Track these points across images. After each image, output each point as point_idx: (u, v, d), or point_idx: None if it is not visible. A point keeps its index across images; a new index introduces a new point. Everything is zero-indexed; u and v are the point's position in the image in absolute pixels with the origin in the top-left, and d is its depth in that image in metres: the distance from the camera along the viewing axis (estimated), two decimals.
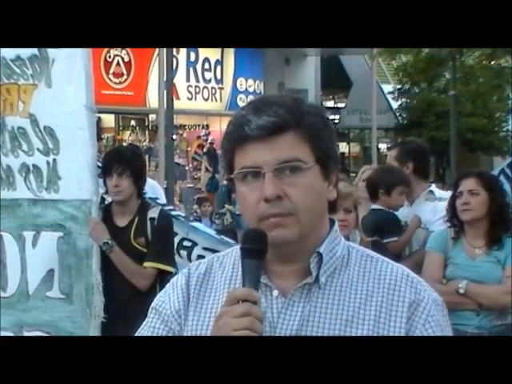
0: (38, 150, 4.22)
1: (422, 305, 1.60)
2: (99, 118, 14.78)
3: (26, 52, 4.19)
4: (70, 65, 4.11)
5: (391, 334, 1.56)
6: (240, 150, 1.56)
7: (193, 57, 18.07)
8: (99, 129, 14.15)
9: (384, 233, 4.31)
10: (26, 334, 4.25)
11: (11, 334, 4.27)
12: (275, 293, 1.58)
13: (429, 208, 4.66)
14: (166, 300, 1.65)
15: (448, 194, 4.41)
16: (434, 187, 4.83)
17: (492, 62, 19.88)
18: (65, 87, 4.15)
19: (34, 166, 4.24)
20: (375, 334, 1.55)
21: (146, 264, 4.25)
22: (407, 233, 4.64)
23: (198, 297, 1.63)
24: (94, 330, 4.12)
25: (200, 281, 1.65)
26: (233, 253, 1.68)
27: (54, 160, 4.19)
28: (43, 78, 4.19)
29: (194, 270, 1.67)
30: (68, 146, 4.15)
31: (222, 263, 1.67)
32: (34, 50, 4.18)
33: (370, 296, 1.58)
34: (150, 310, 1.67)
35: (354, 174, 21.60)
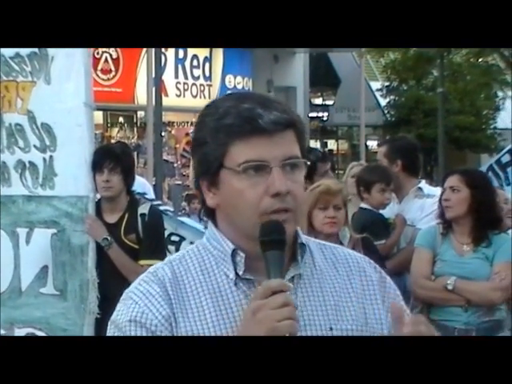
0: (34, 146, 4.24)
1: (387, 281, 1.72)
2: None
3: (25, 49, 4.19)
4: (70, 62, 4.13)
5: (376, 312, 1.65)
6: (242, 142, 1.55)
7: (181, 54, 18.00)
8: None
9: (371, 235, 4.33)
10: (16, 330, 4.25)
11: (2, 331, 4.27)
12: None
13: (417, 205, 4.68)
14: (147, 310, 1.57)
15: (437, 190, 4.43)
16: (423, 184, 4.84)
17: (479, 60, 19.99)
18: (64, 84, 4.18)
19: (30, 162, 4.25)
20: (363, 315, 1.63)
21: (143, 262, 4.24)
22: (395, 234, 4.65)
23: (179, 301, 1.59)
24: (88, 327, 4.13)
25: (173, 285, 1.60)
26: (191, 255, 1.66)
27: (51, 157, 4.20)
28: (42, 75, 4.21)
29: (162, 275, 1.61)
30: (65, 143, 4.17)
31: (184, 267, 1.63)
32: (34, 48, 4.18)
33: (343, 280, 1.66)
34: (124, 324, 1.58)
35: (342, 172, 21.65)
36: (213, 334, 1.55)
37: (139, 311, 1.57)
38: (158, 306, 1.57)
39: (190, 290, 1.60)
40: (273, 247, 1.53)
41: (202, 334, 1.56)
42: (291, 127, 1.59)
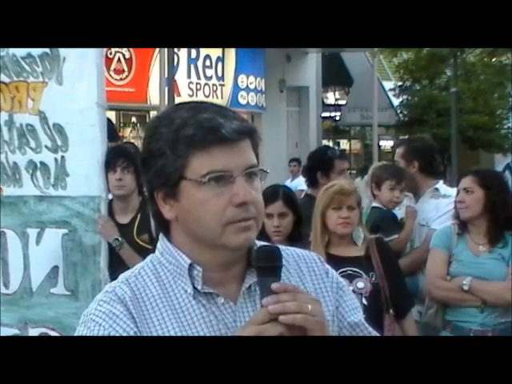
0: (46, 147, 4.23)
1: (329, 273, 1.72)
2: None
3: (36, 50, 4.20)
4: (82, 62, 4.13)
5: (332, 309, 1.65)
6: (204, 153, 1.53)
7: (194, 54, 18.03)
8: None
9: (384, 232, 4.32)
10: (30, 330, 4.27)
11: (16, 331, 4.29)
12: (220, 300, 1.59)
13: (432, 205, 4.67)
14: (113, 332, 1.53)
15: (453, 190, 4.42)
16: (440, 184, 4.83)
17: (493, 60, 19.90)
18: (76, 85, 4.17)
19: (41, 163, 4.25)
20: (327, 315, 1.61)
21: None
22: (407, 226, 4.64)
23: (141, 319, 1.56)
24: None
25: (134, 303, 1.57)
26: (146, 271, 1.64)
27: (63, 157, 4.20)
28: (54, 76, 4.20)
29: (121, 294, 1.58)
30: (77, 143, 4.16)
31: (142, 283, 1.61)
32: (45, 48, 4.18)
33: (296, 281, 1.65)
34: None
35: (354, 171, 21.62)
36: None
37: (105, 333, 1.53)
38: (125, 325, 1.54)
39: (150, 307, 1.57)
40: (269, 273, 1.51)
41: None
42: (248, 136, 1.58)
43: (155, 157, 1.58)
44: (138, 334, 1.53)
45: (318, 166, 5.13)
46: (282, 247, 1.71)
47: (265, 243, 1.62)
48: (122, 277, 1.64)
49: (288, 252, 1.71)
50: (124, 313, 1.55)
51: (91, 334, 1.53)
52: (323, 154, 5.27)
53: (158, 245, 1.67)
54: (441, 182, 4.90)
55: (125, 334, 1.52)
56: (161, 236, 1.67)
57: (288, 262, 1.68)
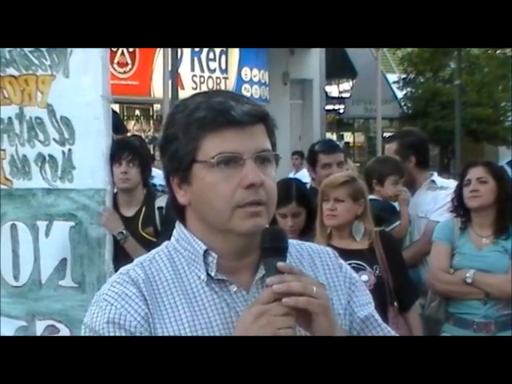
0: (54, 140, 4.26)
1: (343, 267, 1.73)
2: None
3: None
4: (88, 55, 4.15)
5: (344, 303, 1.67)
6: (215, 135, 1.54)
7: None
8: None
9: (383, 222, 4.31)
10: (37, 322, 4.29)
11: (23, 323, 4.32)
12: (233, 287, 1.60)
13: (430, 197, 4.64)
14: (124, 312, 1.54)
15: (450, 182, 4.41)
16: (436, 176, 4.80)
17: (497, 52, 19.87)
18: (82, 77, 4.19)
19: (49, 155, 4.27)
20: (339, 308, 1.64)
21: None
22: (403, 214, 4.61)
23: (153, 302, 1.57)
24: None
25: (147, 286, 1.58)
26: (161, 256, 1.65)
27: (70, 150, 4.22)
28: (61, 69, 4.23)
29: (135, 276, 1.60)
30: (83, 136, 4.18)
31: (156, 268, 1.62)
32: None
33: (309, 275, 1.64)
34: (102, 327, 1.54)
35: (358, 164, 21.62)
36: (189, 335, 1.54)
37: (117, 313, 1.55)
38: (136, 306, 1.55)
39: (163, 291, 1.58)
40: (274, 254, 1.52)
41: (177, 335, 1.54)
42: (262, 121, 1.59)
43: (170, 142, 1.59)
44: (149, 316, 1.54)
45: (307, 160, 5.17)
46: (296, 242, 1.73)
47: None
48: (136, 260, 1.65)
49: (303, 246, 1.72)
50: (136, 294, 1.56)
51: (103, 313, 1.55)
52: (311, 148, 5.24)
53: (174, 232, 1.68)
54: (435, 173, 4.88)
55: (136, 315, 1.54)
56: (177, 223, 1.68)
57: (302, 256, 1.69)
